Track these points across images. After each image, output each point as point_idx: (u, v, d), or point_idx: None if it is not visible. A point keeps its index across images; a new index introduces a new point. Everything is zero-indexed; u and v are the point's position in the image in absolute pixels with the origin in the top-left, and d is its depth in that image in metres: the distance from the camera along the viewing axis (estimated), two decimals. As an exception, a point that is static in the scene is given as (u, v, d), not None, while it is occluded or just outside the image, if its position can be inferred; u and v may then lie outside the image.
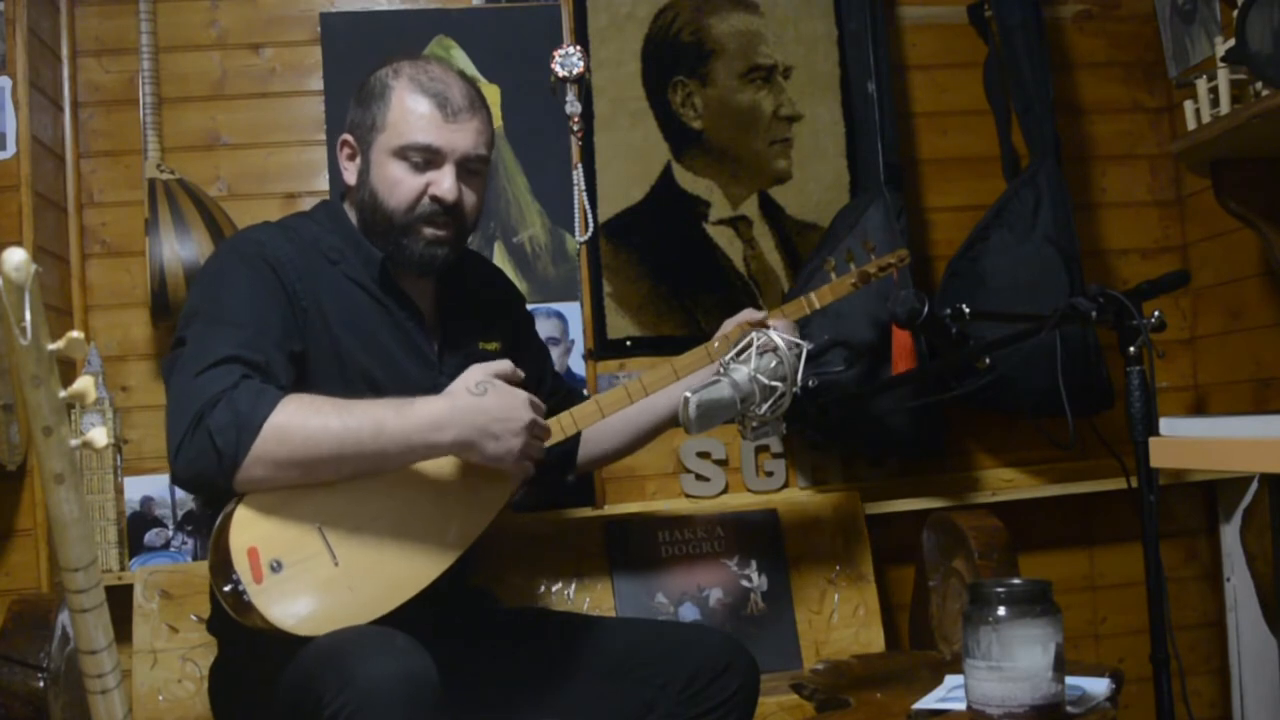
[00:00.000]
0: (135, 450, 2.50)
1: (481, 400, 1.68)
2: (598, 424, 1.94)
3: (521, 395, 1.72)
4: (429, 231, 1.79)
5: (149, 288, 2.35)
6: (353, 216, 1.87)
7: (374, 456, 1.63)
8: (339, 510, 1.63)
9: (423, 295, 1.89)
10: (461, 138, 1.79)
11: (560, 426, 1.84)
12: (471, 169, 1.82)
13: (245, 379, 1.60)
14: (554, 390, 2.11)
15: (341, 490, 1.64)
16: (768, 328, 1.98)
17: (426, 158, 1.78)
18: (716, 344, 2.00)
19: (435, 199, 1.78)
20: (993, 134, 2.73)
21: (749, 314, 2.05)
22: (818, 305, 2.11)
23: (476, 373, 1.71)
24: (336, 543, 1.62)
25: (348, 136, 1.86)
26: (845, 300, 2.34)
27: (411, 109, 1.78)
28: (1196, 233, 2.83)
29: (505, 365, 1.74)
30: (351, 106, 1.86)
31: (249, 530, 1.57)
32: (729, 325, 2.04)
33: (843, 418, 2.43)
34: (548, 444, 1.79)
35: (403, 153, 1.78)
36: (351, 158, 1.86)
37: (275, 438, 1.56)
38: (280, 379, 1.65)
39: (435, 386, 1.80)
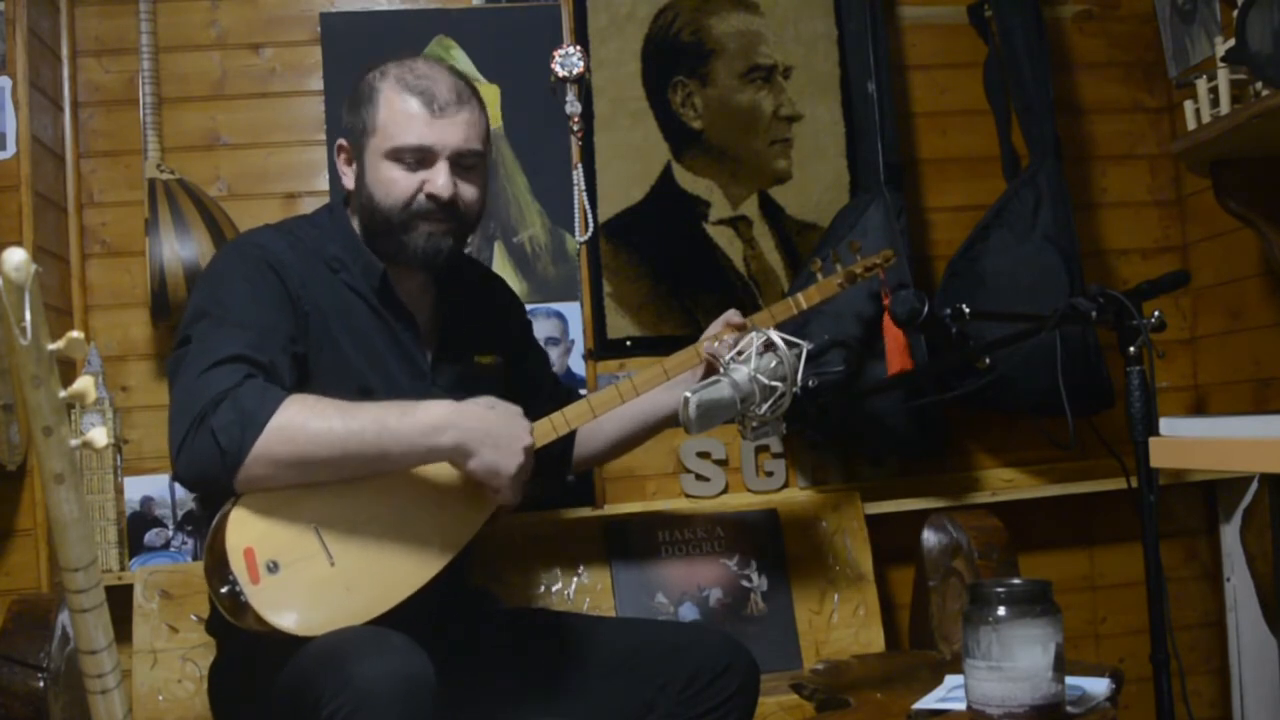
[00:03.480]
0: (135, 450, 2.50)
1: (488, 411, 1.69)
2: (592, 424, 1.94)
3: (528, 423, 1.72)
4: (427, 226, 1.80)
5: (149, 288, 2.35)
6: (355, 220, 1.87)
7: (376, 458, 1.63)
8: (335, 511, 1.63)
9: (420, 306, 1.89)
10: (451, 133, 1.79)
11: (553, 426, 1.85)
12: (466, 164, 1.82)
13: (249, 378, 1.60)
14: (553, 394, 2.11)
15: (337, 491, 1.64)
16: (749, 329, 1.99)
17: (418, 157, 1.78)
18: (705, 344, 2.00)
19: (431, 196, 1.78)
20: (993, 134, 2.73)
21: (731, 315, 2.05)
22: (805, 306, 2.11)
23: (491, 398, 1.73)
24: (332, 543, 1.62)
25: (343, 141, 1.87)
26: (843, 300, 2.33)
27: (399, 109, 1.78)
28: (1196, 233, 2.83)
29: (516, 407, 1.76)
30: (344, 111, 1.87)
31: (245, 531, 1.57)
32: (715, 326, 2.04)
33: (843, 418, 2.43)
34: (541, 444, 1.79)
35: (395, 154, 1.78)
36: (349, 162, 1.87)
37: (279, 437, 1.56)
38: (284, 380, 1.66)
39: (427, 397, 1.80)
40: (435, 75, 1.82)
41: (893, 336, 2.29)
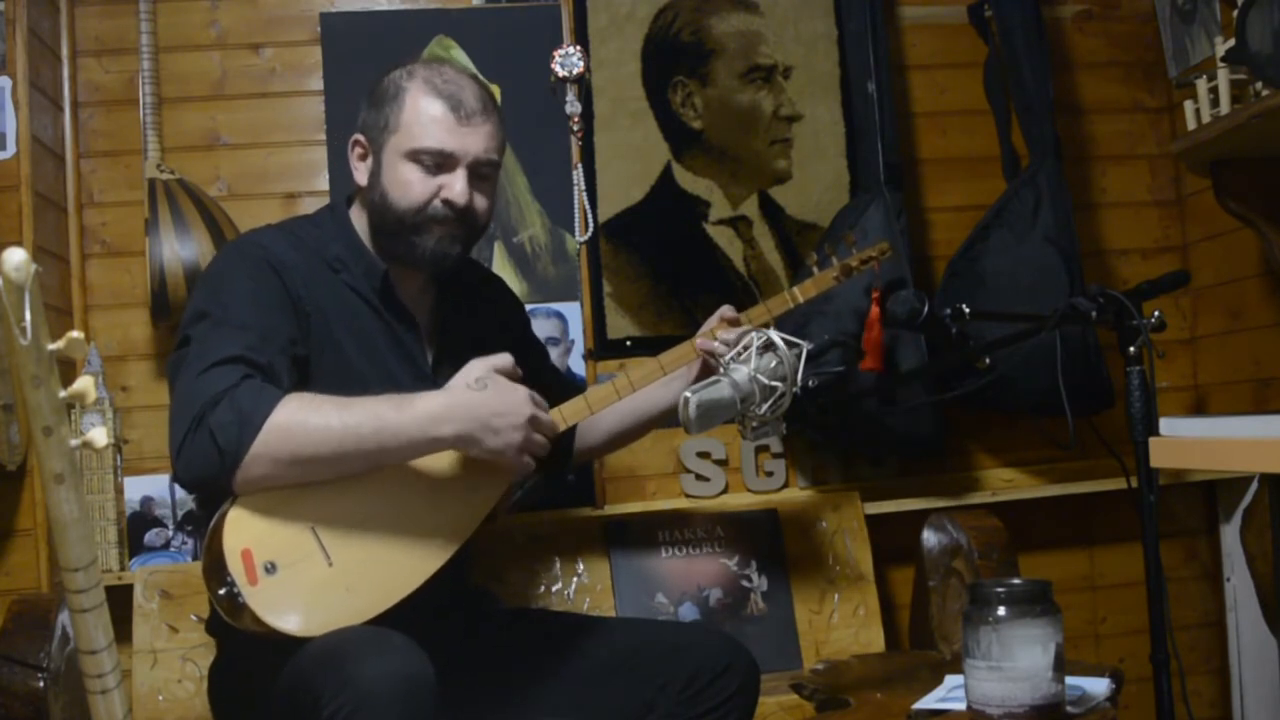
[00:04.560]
0: (135, 450, 2.50)
1: (481, 395, 1.68)
2: (590, 419, 1.94)
3: (522, 391, 1.72)
4: (439, 230, 1.80)
5: (149, 288, 2.35)
6: (360, 219, 1.88)
7: (375, 453, 1.63)
8: (332, 510, 1.63)
9: (421, 307, 1.89)
10: (474, 141, 1.79)
11: None
12: (483, 173, 1.83)
13: (247, 379, 1.60)
14: (556, 388, 2.11)
15: (334, 490, 1.63)
16: (744, 324, 1.99)
17: (439, 161, 1.78)
18: (700, 340, 2.00)
19: (447, 202, 1.78)
20: (993, 134, 2.73)
21: (725, 310, 2.04)
22: (800, 300, 2.11)
23: (476, 368, 1.72)
24: (330, 543, 1.62)
25: (359, 137, 1.86)
26: (842, 299, 2.33)
27: (425, 111, 1.78)
28: (1196, 233, 2.83)
29: (506, 360, 1.75)
30: (364, 107, 1.86)
31: (242, 532, 1.57)
32: (711, 322, 2.04)
33: (843, 418, 2.43)
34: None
35: (415, 155, 1.78)
36: (363, 158, 1.86)
37: (277, 435, 1.56)
38: (283, 381, 1.66)
39: None
40: (462, 82, 1.82)
41: (872, 332, 2.28)
